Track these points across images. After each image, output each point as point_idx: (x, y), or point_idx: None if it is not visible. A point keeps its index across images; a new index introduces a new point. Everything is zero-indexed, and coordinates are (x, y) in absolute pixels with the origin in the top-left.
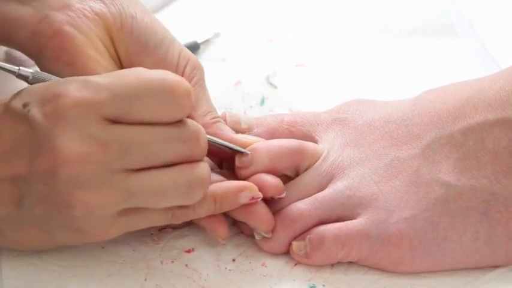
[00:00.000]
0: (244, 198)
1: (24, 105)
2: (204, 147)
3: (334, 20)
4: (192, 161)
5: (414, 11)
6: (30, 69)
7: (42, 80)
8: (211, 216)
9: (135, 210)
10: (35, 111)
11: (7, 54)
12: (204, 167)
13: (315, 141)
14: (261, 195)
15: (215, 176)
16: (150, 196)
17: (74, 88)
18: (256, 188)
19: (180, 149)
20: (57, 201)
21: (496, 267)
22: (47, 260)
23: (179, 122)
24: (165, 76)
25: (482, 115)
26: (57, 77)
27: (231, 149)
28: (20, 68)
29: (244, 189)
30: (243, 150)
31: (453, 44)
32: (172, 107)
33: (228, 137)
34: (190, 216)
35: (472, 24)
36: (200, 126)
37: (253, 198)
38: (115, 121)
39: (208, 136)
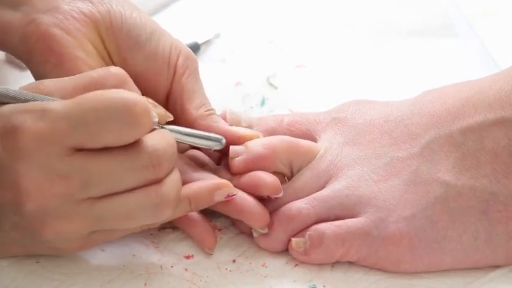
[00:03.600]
0: (219, 196)
1: None
2: (167, 166)
3: (334, 20)
4: (157, 181)
5: (414, 11)
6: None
7: (10, 97)
8: (198, 226)
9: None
10: None
11: (7, 55)
12: (171, 182)
13: (314, 140)
14: (235, 192)
15: (202, 176)
16: (118, 220)
17: (30, 121)
18: (231, 185)
19: (141, 175)
20: (29, 228)
21: (496, 267)
22: (48, 267)
23: (139, 148)
24: (121, 95)
25: (481, 115)
26: (25, 92)
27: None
28: None
29: (219, 188)
30: (213, 143)
31: (453, 44)
32: (132, 127)
33: (222, 129)
34: (167, 219)
35: (471, 25)
36: (162, 144)
37: (228, 195)
38: (76, 147)
39: (187, 130)
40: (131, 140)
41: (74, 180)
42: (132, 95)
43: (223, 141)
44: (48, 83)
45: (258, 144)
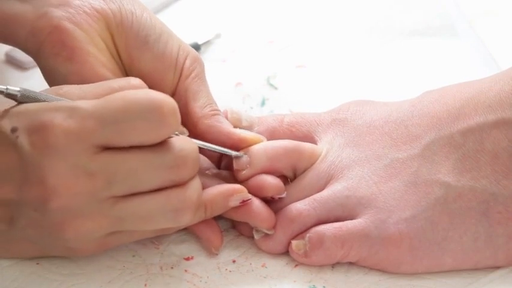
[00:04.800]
0: (234, 202)
1: (13, 130)
2: (192, 169)
3: (335, 21)
4: (180, 183)
5: (415, 11)
6: (17, 87)
7: (32, 98)
8: (206, 226)
9: (125, 230)
10: (23, 140)
11: (7, 55)
12: (193, 188)
13: (315, 142)
14: (250, 197)
15: (209, 180)
16: (138, 221)
17: (60, 118)
18: (245, 190)
19: (166, 175)
20: (48, 226)
21: (497, 268)
22: (48, 268)
23: (165, 147)
24: (150, 95)
25: (482, 116)
26: (46, 94)
27: (224, 152)
28: (8, 87)
29: (233, 193)
30: (234, 153)
31: (453, 44)
32: (160, 126)
33: (226, 130)
34: (182, 226)
35: (472, 25)
36: (188, 147)
37: (243, 201)
38: (103, 146)
39: (199, 142)
40: (158, 139)
41: (99, 178)
42: (160, 95)
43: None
44: (68, 89)
45: (261, 157)
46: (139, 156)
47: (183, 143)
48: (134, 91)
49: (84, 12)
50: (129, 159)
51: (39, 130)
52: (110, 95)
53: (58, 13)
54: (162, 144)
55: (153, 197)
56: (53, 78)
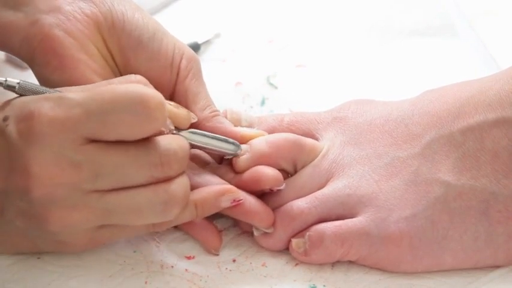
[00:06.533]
0: (225, 202)
1: (5, 119)
2: (177, 168)
3: (335, 20)
4: (166, 179)
5: (415, 11)
6: (16, 79)
7: (30, 90)
8: (203, 228)
9: (114, 225)
10: (12, 128)
11: (7, 55)
12: (180, 183)
13: (316, 139)
14: (242, 197)
15: (203, 178)
16: (126, 215)
17: (47, 107)
18: (237, 190)
19: (152, 172)
20: (35, 216)
21: (496, 267)
22: (47, 260)
23: (151, 145)
24: (137, 89)
25: (482, 115)
26: (44, 87)
27: (221, 151)
28: (7, 78)
29: (224, 193)
30: (229, 155)
31: (453, 44)
32: (145, 120)
33: (228, 130)
34: (173, 223)
35: (472, 25)
36: (175, 145)
37: (234, 201)
38: (89, 138)
39: (196, 140)
40: (144, 134)
41: (85, 170)
42: (147, 89)
43: (240, 147)
44: (70, 89)
45: (262, 143)
46: (124, 151)
47: (170, 141)
48: (124, 85)
49: (75, 18)
50: (115, 154)
51: (26, 118)
52: (99, 88)
53: (49, 20)
54: (148, 142)
55: (139, 190)
56: (46, 85)
